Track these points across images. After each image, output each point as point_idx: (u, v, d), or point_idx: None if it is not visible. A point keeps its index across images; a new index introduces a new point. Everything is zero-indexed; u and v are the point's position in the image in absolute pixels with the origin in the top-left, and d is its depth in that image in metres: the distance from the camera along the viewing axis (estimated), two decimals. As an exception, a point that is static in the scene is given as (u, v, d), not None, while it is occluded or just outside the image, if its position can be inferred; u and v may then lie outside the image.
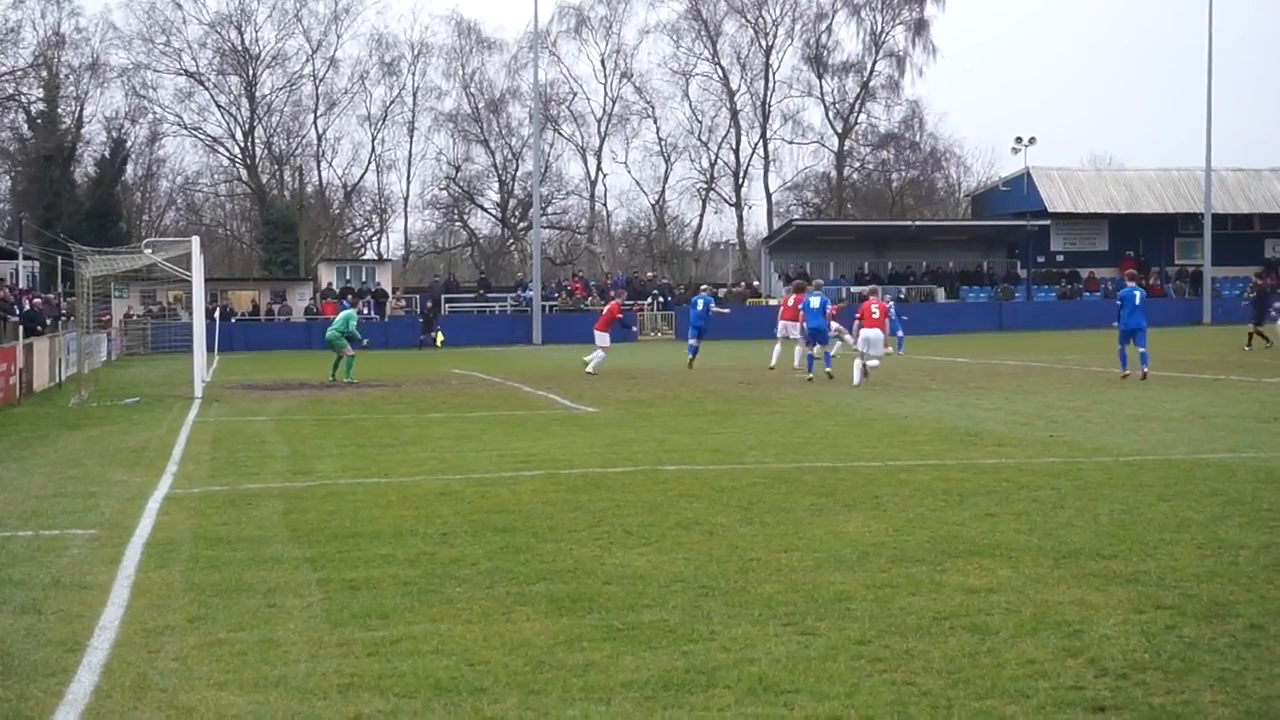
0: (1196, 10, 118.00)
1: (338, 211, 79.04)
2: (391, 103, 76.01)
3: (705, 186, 79.19)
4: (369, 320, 50.44)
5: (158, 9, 71.16)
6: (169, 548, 9.16)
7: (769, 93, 77.79)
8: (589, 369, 29.28)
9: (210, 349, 39.43)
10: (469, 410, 20.66)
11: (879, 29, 77.91)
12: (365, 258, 71.76)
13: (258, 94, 73.34)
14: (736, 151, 78.34)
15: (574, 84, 77.64)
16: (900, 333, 28.57)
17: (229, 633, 6.85)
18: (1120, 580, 7.70)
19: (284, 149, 75.24)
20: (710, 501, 10.77)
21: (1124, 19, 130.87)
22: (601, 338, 30.10)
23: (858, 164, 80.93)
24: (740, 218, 79.37)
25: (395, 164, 78.02)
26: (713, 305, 33.54)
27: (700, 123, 77.85)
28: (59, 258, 43.15)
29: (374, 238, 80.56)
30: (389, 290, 58.05)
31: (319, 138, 75.39)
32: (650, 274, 66.18)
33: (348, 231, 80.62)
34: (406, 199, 78.97)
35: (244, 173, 75.27)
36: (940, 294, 61.97)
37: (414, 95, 76.34)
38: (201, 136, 74.32)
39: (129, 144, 72.37)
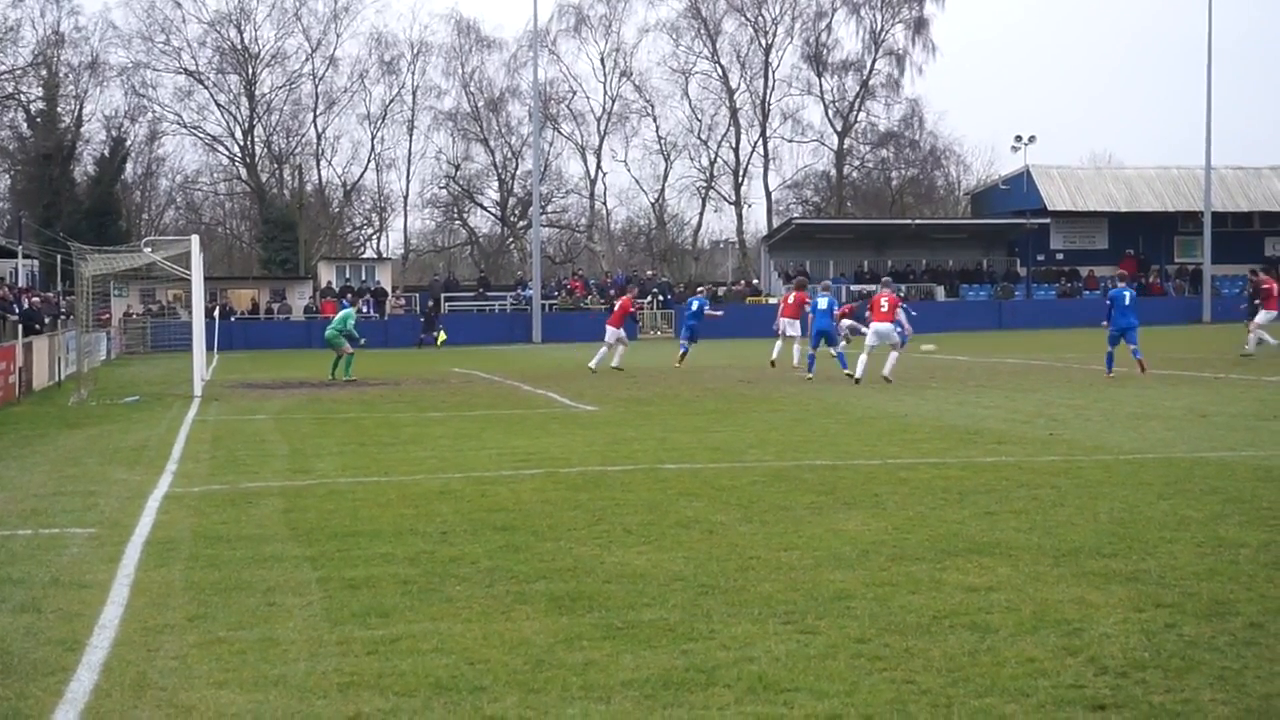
0: (1196, 8, 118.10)
1: (337, 210, 79.08)
2: (391, 101, 76.17)
3: (705, 185, 79.26)
4: (368, 319, 50.43)
5: (157, 8, 71.30)
6: (168, 546, 9.16)
7: (768, 91, 77.90)
8: (593, 364, 29.35)
9: (210, 348, 39.44)
10: (469, 409, 20.66)
11: (879, 27, 78.01)
12: (365, 256, 71.85)
13: (257, 93, 73.39)
14: (736, 150, 78.44)
15: (573, 82, 77.81)
16: (909, 330, 28.24)
17: (229, 631, 6.84)
18: (1120, 578, 7.70)
19: (283, 148, 75.31)
20: (710, 500, 10.77)
21: (1124, 17, 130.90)
22: (614, 333, 30.15)
23: (857, 162, 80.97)
24: (740, 216, 79.49)
25: (395, 163, 78.25)
26: (706, 307, 33.54)
27: (700, 121, 77.99)
28: (58, 256, 43.15)
29: (373, 236, 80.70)
30: (389, 289, 58.05)
31: (318, 136, 75.51)
32: (650, 272, 66.17)
33: (347, 230, 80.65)
34: (406, 198, 79.17)
35: (243, 171, 75.30)
36: (940, 292, 61.98)
37: (413, 94, 76.51)
38: (201, 135, 74.47)
39: (128, 143, 72.45)
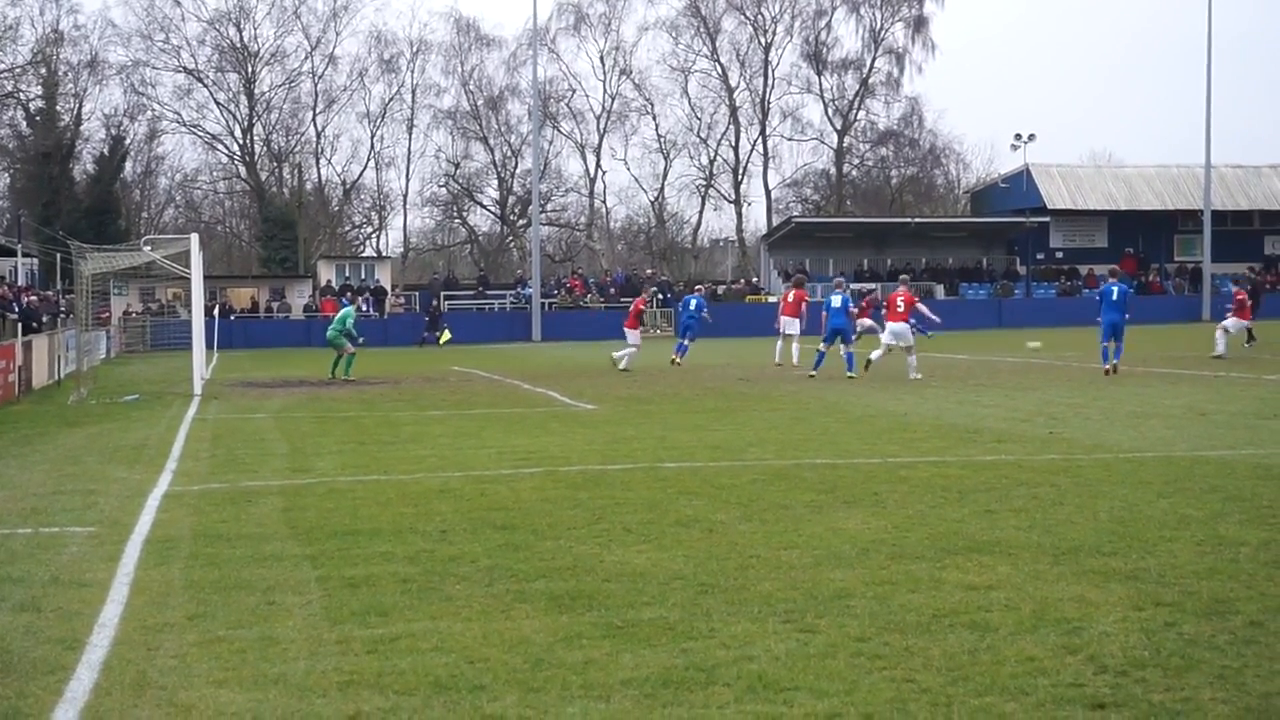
0: (1196, 7, 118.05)
1: (337, 209, 79.04)
2: (390, 100, 76.10)
3: (704, 183, 79.23)
4: (368, 318, 50.39)
5: (156, 6, 71.18)
6: (168, 545, 9.16)
7: (768, 89, 77.85)
8: (621, 365, 29.35)
9: (209, 346, 39.42)
10: (468, 408, 20.66)
11: (878, 26, 77.97)
12: (364, 255, 71.81)
13: (257, 91, 73.33)
14: (736, 148, 78.41)
15: (573, 81, 77.74)
16: (938, 320, 27.92)
17: (228, 630, 6.84)
18: (1120, 577, 7.70)
19: (283, 146, 75.26)
20: (710, 499, 10.77)
21: (1123, 16, 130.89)
22: (632, 334, 30.17)
23: (857, 161, 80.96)
24: (739, 215, 79.45)
25: (394, 161, 78.16)
26: (704, 308, 33.56)
27: (699, 119, 77.94)
28: (58, 255, 43.12)
29: (373, 235, 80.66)
30: (388, 288, 58.04)
31: (318, 135, 75.43)
32: (649, 271, 66.17)
33: (347, 229, 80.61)
34: (405, 196, 79.12)
35: (243, 170, 75.24)
36: (940, 291, 61.94)
37: (413, 92, 76.44)
38: (200, 134, 74.42)
39: (128, 141, 72.38)
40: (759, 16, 77.49)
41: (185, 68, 72.40)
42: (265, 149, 74.79)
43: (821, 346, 26.22)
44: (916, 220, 69.57)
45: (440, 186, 78.79)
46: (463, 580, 7.90)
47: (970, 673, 5.93)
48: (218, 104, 73.54)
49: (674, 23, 77.35)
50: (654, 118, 78.14)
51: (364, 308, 51.54)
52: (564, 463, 13.24)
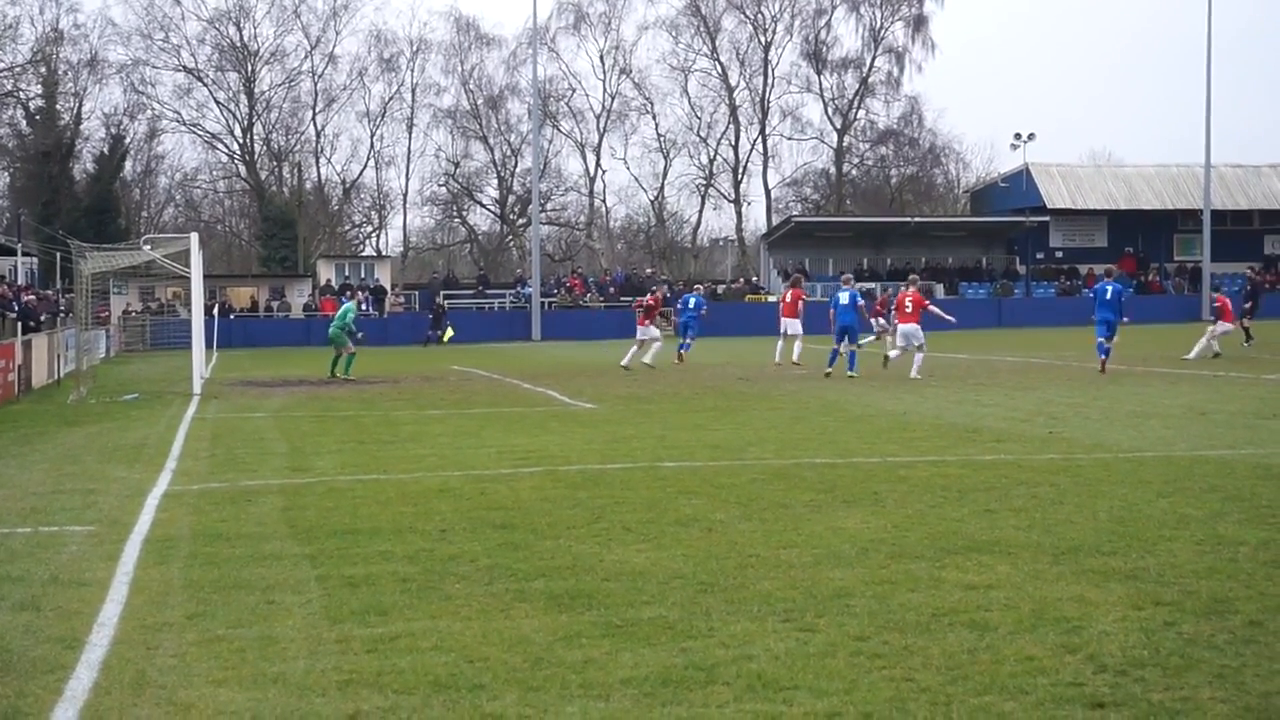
0: (1195, 6, 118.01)
1: (336, 208, 79.07)
2: (390, 99, 76.16)
3: (704, 183, 79.27)
4: (367, 316, 50.36)
5: (156, 5, 71.28)
6: (168, 544, 9.16)
7: (768, 89, 77.91)
8: (646, 359, 29.46)
9: (209, 345, 39.42)
10: (468, 407, 20.66)
11: (878, 25, 78.04)
12: (364, 254, 71.83)
13: (256, 90, 73.38)
14: (735, 147, 78.47)
15: (573, 80, 77.81)
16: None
17: (228, 629, 6.84)
18: (1119, 577, 7.70)
19: (283, 145, 75.32)
20: (709, 498, 10.77)
21: (1123, 15, 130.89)
22: (647, 330, 30.16)
23: (857, 160, 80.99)
24: (739, 214, 79.50)
25: (394, 160, 78.23)
26: (704, 306, 33.56)
27: (699, 119, 78.01)
28: (58, 254, 43.11)
29: (373, 234, 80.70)
30: (388, 287, 58.05)
31: (318, 134, 75.49)
32: (649, 270, 66.19)
33: (347, 228, 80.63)
34: (405, 195, 79.18)
35: (243, 169, 75.28)
36: (939, 290, 61.91)
37: (413, 91, 76.49)
38: (200, 133, 74.49)
39: (128, 140, 72.44)
40: (759, 15, 77.59)
41: (185, 67, 72.50)
42: (265, 148, 74.84)
43: (835, 345, 26.03)
44: (916, 220, 69.62)
45: (440, 186, 78.90)
46: (462, 579, 7.90)
47: (969, 672, 5.93)
48: (217, 103, 73.68)
49: (674, 22, 77.52)
50: (654, 117, 78.32)
51: (364, 306, 51.52)
52: (563, 462, 13.24)
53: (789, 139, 79.69)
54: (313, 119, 74.67)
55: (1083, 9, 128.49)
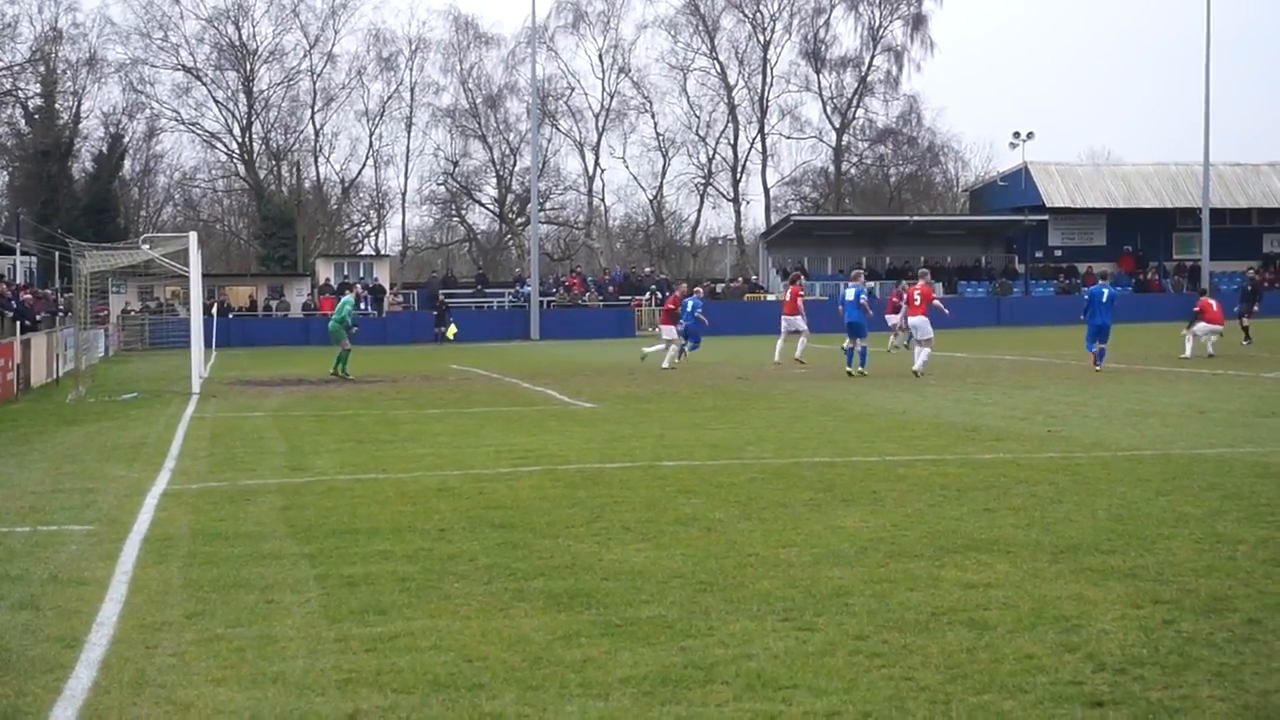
0: (1195, 5, 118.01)
1: (335, 207, 79.02)
2: (389, 98, 76.09)
3: (703, 182, 79.20)
4: (366, 316, 50.33)
5: (155, 4, 71.16)
6: (167, 543, 9.16)
7: (767, 88, 77.84)
8: (656, 358, 29.34)
9: (208, 345, 39.39)
10: (467, 406, 20.66)
11: (877, 24, 77.98)
12: (363, 253, 71.79)
13: (255, 89, 73.30)
14: (734, 146, 78.41)
15: (572, 79, 77.71)
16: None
17: (227, 629, 6.84)
18: (1118, 575, 7.71)
19: (281, 144, 75.26)
20: (708, 497, 10.77)
21: (1122, 13, 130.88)
22: (669, 331, 30.12)
23: (856, 159, 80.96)
24: (738, 213, 79.47)
25: (393, 159, 78.16)
26: (700, 308, 33.56)
27: (698, 118, 77.91)
28: (56, 253, 43.12)
29: (372, 233, 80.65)
30: (387, 286, 58.04)
31: (316, 133, 75.39)
32: (648, 269, 66.18)
33: (345, 227, 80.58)
34: (404, 194, 79.10)
35: (241, 168, 75.22)
36: (938, 289, 61.93)
37: (411, 90, 76.41)
38: (199, 132, 74.41)
39: (126, 139, 72.36)
40: (758, 14, 77.52)
41: (184, 66, 72.42)
42: (264, 147, 74.78)
43: (847, 344, 25.97)
44: (915, 218, 69.62)
45: (439, 185, 78.83)
46: (461, 579, 7.90)
47: (969, 670, 5.93)
48: (216, 102, 73.61)
49: (673, 21, 77.44)
50: (652, 116, 78.23)
51: (362, 305, 51.44)
52: (562, 461, 13.24)
53: (788, 138, 79.76)
54: (311, 118, 74.67)
55: (1082, 8, 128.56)
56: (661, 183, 79.36)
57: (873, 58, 78.00)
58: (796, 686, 5.75)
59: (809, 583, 7.64)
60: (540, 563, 8.31)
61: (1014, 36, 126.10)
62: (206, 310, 40.58)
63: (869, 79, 78.27)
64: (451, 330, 51.20)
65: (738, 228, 79.76)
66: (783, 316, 30.29)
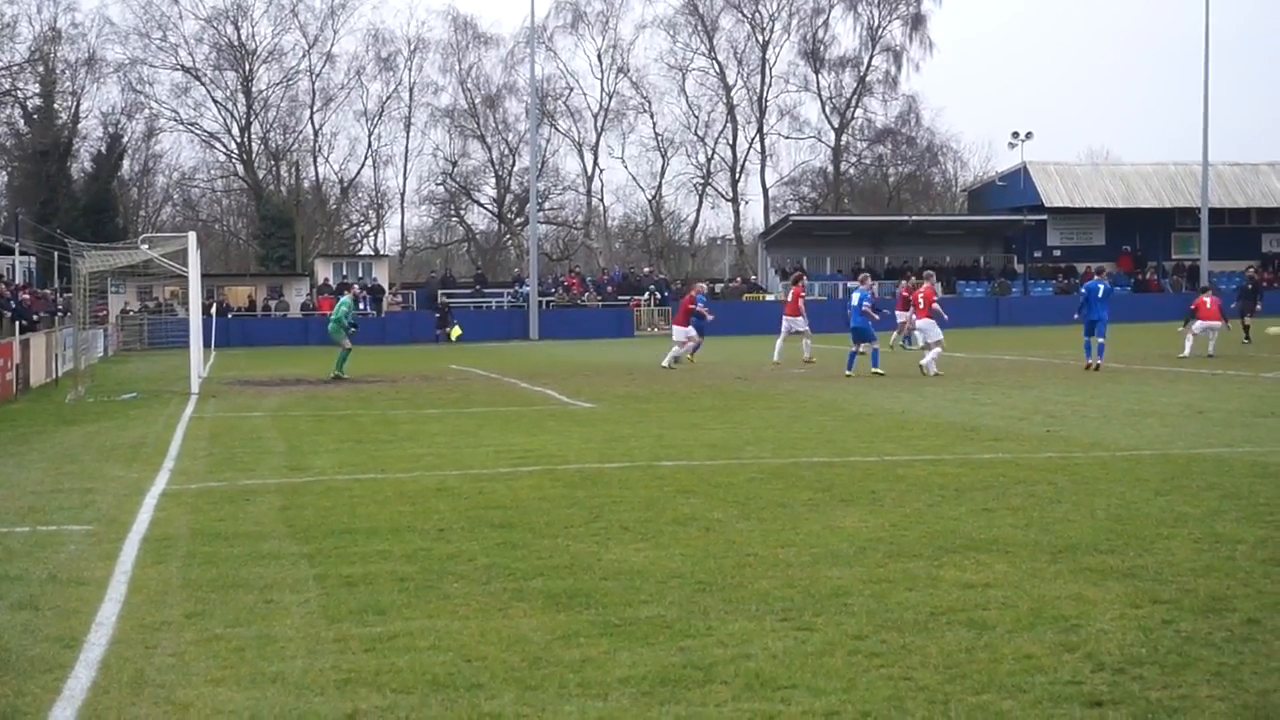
0: (1194, 4, 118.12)
1: (334, 207, 79.01)
2: (388, 98, 76.11)
3: (702, 182, 79.21)
4: (365, 315, 50.32)
5: (154, 4, 71.19)
6: (166, 543, 9.16)
7: (765, 88, 77.87)
8: (664, 364, 29.40)
9: (207, 345, 39.39)
10: (466, 406, 20.66)
11: (876, 24, 78.01)
12: (362, 253, 71.79)
13: (254, 89, 73.29)
14: (733, 146, 78.42)
15: (570, 79, 77.72)
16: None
17: (226, 628, 6.84)
18: (1117, 575, 7.71)
19: (280, 144, 75.27)
20: (707, 497, 10.77)
21: (1121, 13, 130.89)
22: (682, 331, 30.02)
23: (854, 159, 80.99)
24: (737, 213, 79.49)
25: (392, 159, 78.18)
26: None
27: (697, 118, 77.92)
28: (55, 253, 43.13)
29: (370, 233, 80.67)
30: (385, 286, 58.05)
31: (315, 133, 75.40)
32: (647, 269, 66.19)
33: (344, 227, 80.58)
34: (403, 194, 79.09)
35: (240, 168, 75.22)
36: (938, 289, 61.97)
37: (410, 91, 76.42)
38: (198, 132, 74.43)
39: (125, 139, 72.36)
40: (756, 14, 77.53)
41: (183, 66, 72.44)
42: (263, 147, 74.77)
43: (852, 347, 25.93)
44: (914, 218, 69.67)
45: (438, 185, 78.84)
46: (460, 579, 7.90)
47: (967, 670, 5.93)
48: (215, 102, 73.63)
49: (671, 21, 77.45)
50: (651, 116, 78.25)
51: (361, 305, 51.41)
52: (561, 461, 13.24)
53: (786, 138, 79.79)
54: (310, 118, 74.68)
55: (1081, 8, 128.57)
56: (660, 183, 79.46)
57: (871, 58, 78.13)
58: (795, 686, 5.75)
59: (808, 583, 7.64)
60: (539, 563, 8.31)
61: (1013, 36, 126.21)
62: (205, 310, 40.60)
63: (868, 79, 78.36)
64: (455, 332, 51.19)
65: (736, 228, 79.84)
66: (784, 317, 30.33)
